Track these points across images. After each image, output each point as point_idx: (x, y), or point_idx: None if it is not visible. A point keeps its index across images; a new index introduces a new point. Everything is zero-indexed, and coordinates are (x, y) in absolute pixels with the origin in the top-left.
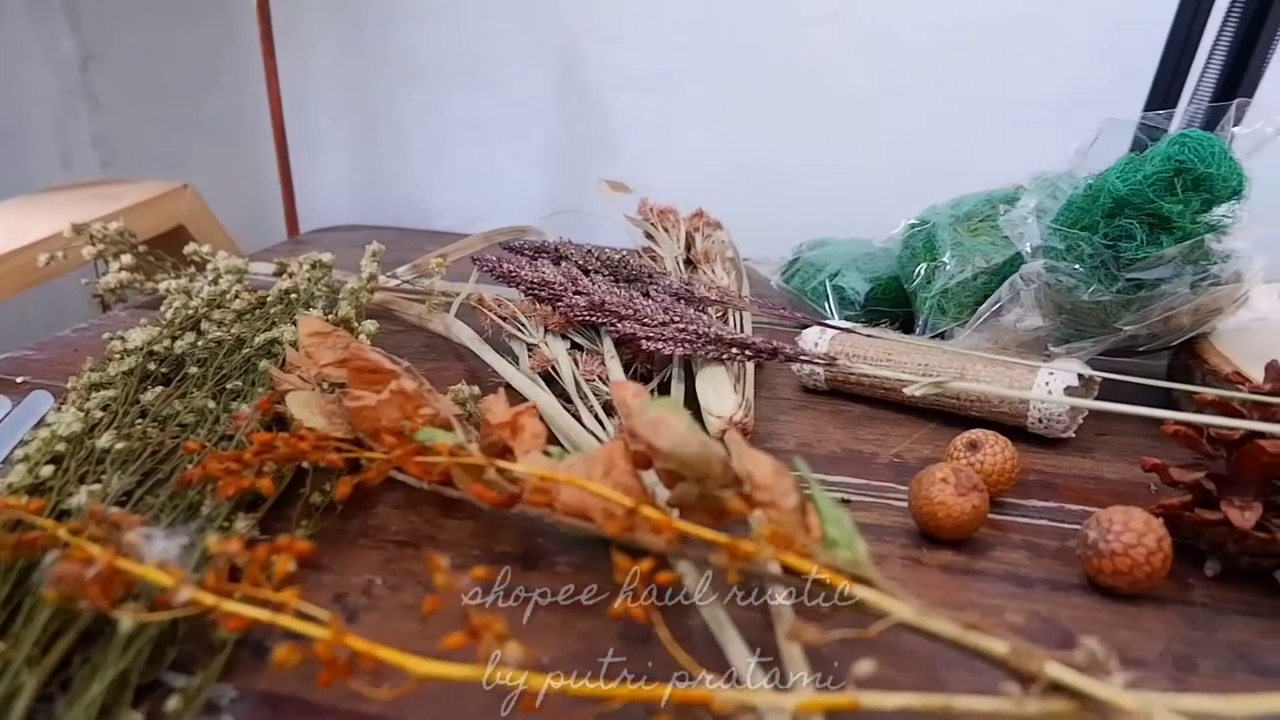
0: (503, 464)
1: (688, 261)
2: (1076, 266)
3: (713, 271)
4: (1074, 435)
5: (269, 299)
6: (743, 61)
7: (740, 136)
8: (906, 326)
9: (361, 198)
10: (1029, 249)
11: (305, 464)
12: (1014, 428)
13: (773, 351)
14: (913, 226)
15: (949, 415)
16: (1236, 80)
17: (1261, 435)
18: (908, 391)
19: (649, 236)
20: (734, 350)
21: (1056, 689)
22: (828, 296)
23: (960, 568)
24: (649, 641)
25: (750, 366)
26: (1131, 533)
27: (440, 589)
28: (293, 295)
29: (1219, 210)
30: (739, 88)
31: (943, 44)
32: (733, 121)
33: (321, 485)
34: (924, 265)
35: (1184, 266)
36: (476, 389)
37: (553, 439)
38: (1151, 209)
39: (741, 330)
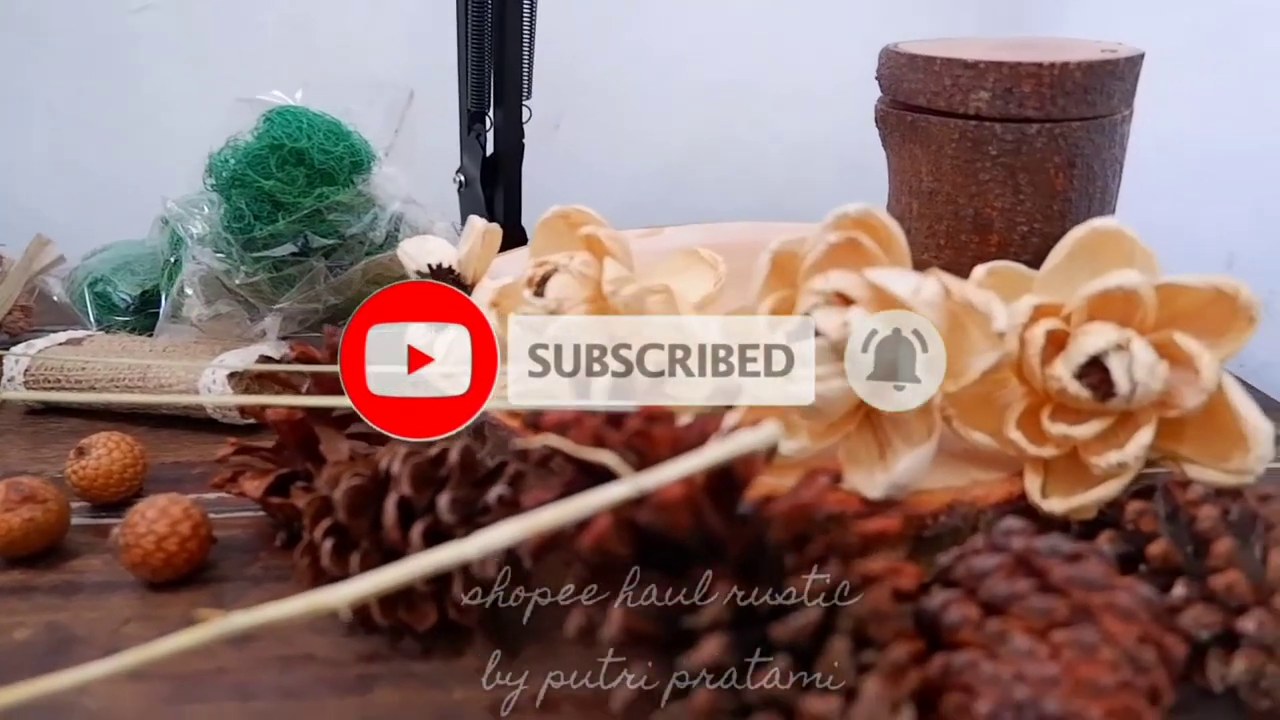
0: None
1: None
2: (230, 251)
3: None
4: None
5: None
6: (79, 63)
7: (75, 144)
8: None
9: None
10: (193, 237)
11: None
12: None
13: None
14: (164, 222)
15: (158, 418)
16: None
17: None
18: None
19: None
20: None
21: None
22: (88, 306)
23: (13, 587)
24: None
25: None
26: (145, 522)
27: None
28: None
29: (356, 181)
30: (84, 96)
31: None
32: (71, 128)
33: None
34: (168, 260)
35: (311, 239)
36: None
37: None
38: (259, 187)
39: None
